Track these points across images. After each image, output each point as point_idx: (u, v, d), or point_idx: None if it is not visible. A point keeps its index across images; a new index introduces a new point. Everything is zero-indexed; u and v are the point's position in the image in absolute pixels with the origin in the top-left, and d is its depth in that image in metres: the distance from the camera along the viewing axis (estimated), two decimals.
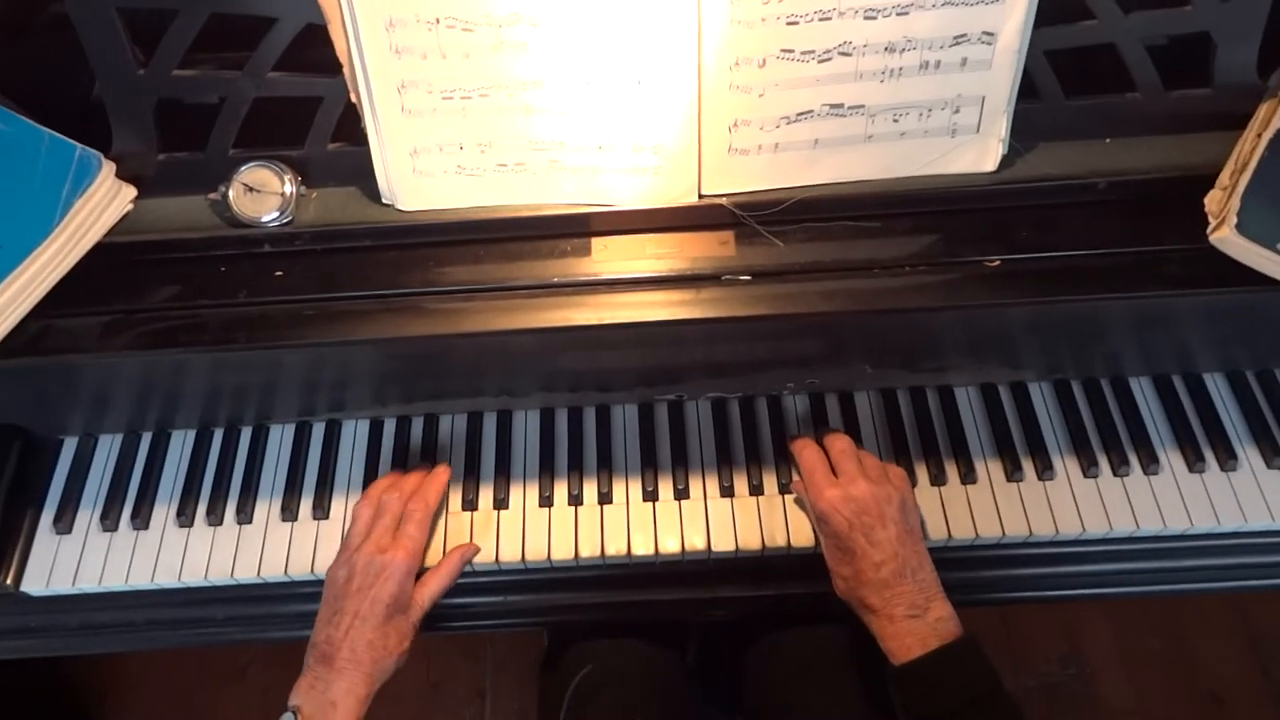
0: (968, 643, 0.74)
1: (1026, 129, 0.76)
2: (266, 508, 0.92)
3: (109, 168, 0.75)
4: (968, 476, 0.90)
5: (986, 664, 0.74)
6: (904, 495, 0.81)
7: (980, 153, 0.76)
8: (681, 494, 0.90)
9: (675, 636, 1.02)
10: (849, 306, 0.74)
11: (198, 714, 1.62)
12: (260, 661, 1.63)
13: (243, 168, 0.76)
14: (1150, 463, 0.89)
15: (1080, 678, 1.60)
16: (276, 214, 0.76)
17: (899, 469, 0.85)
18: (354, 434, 0.96)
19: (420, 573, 0.84)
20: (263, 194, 0.76)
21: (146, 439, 0.96)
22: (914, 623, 0.75)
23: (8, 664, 0.94)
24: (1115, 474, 0.89)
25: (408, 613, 0.81)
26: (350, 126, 0.74)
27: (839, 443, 0.85)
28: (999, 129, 0.75)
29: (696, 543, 0.88)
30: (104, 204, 0.75)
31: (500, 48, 0.69)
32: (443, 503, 0.90)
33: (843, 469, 0.83)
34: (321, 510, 0.91)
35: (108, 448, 0.96)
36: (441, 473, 0.89)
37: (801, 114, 0.73)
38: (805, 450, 0.85)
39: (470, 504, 0.90)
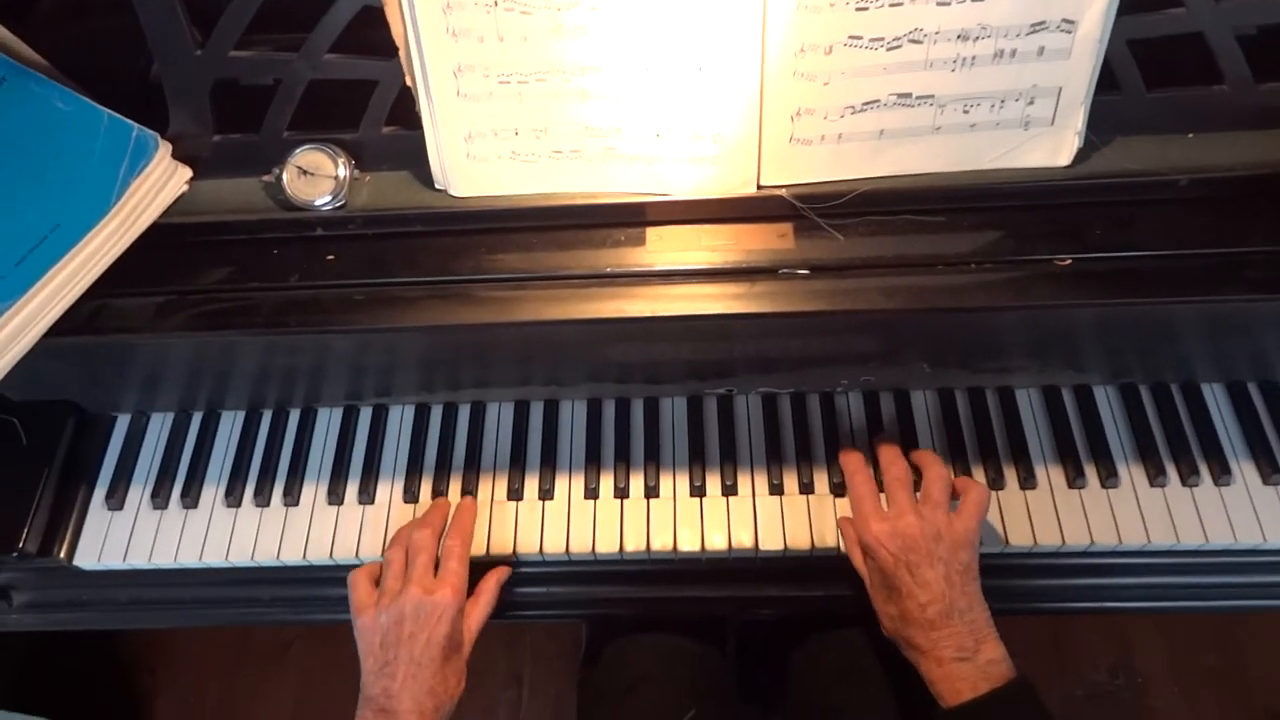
0: (1020, 686, 0.72)
1: (1103, 122, 0.73)
2: (313, 491, 0.93)
3: (165, 148, 0.75)
4: (1027, 482, 0.87)
5: (1040, 708, 0.71)
6: (960, 538, 0.77)
7: (1054, 146, 0.73)
8: (729, 490, 0.89)
9: (717, 633, 1.01)
10: (911, 305, 0.72)
11: (238, 693, 1.64)
12: (303, 641, 1.66)
13: (297, 150, 0.76)
14: (1222, 473, 0.86)
15: (1130, 689, 1.57)
16: (329, 197, 0.76)
17: (978, 499, 0.79)
18: (400, 419, 0.96)
19: None
20: (316, 177, 0.76)
21: (197, 419, 0.97)
22: (963, 665, 0.73)
23: (60, 635, 0.96)
24: (1184, 484, 0.86)
25: (461, 650, 0.80)
26: (405, 110, 0.74)
27: (894, 469, 0.82)
28: (1075, 122, 0.72)
29: (744, 540, 0.87)
30: (160, 184, 0.75)
31: (558, 31, 0.67)
32: (489, 492, 0.89)
33: (894, 499, 0.80)
34: (367, 495, 0.92)
35: (159, 426, 0.97)
36: (469, 505, 0.88)
37: (867, 103, 0.70)
38: (856, 476, 0.83)
39: (516, 494, 0.90)
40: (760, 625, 1.05)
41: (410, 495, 0.91)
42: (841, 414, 0.92)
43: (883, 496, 0.82)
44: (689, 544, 0.87)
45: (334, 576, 0.92)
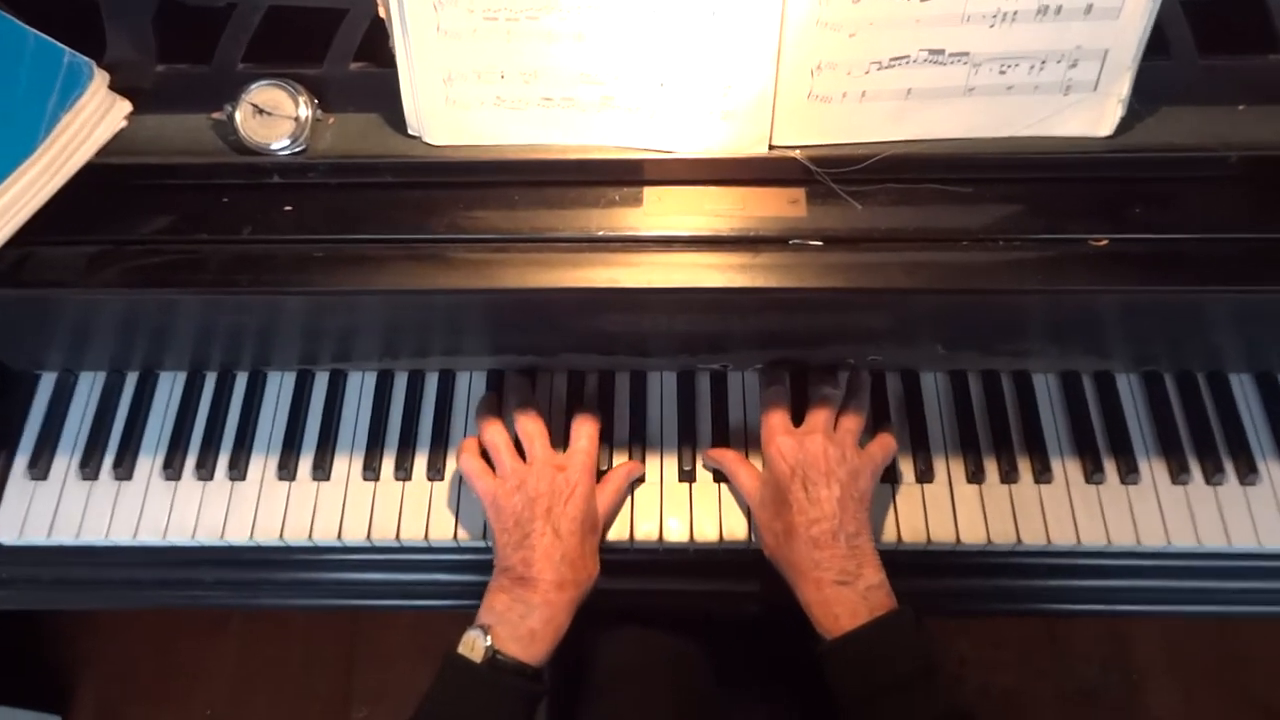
0: (901, 615, 0.74)
1: (1149, 89, 0.71)
2: (262, 464, 0.91)
3: (101, 78, 0.72)
4: (1043, 475, 0.87)
5: (920, 641, 0.73)
6: (863, 466, 0.81)
7: (1096, 114, 0.71)
8: (722, 477, 0.89)
9: (699, 629, 1.01)
10: (933, 284, 0.71)
11: (176, 665, 1.64)
12: (242, 615, 1.65)
13: (252, 86, 0.73)
14: (1248, 472, 0.86)
15: (1125, 684, 1.60)
16: (288, 141, 0.73)
17: (887, 442, 0.84)
18: (360, 387, 0.94)
19: None
20: (273, 117, 0.73)
21: (132, 379, 0.95)
22: (843, 590, 0.75)
23: None
24: (1208, 482, 0.87)
25: (596, 531, 0.83)
26: (377, 45, 0.71)
27: (824, 390, 0.85)
28: (1120, 88, 0.70)
29: (736, 531, 0.87)
30: (95, 119, 0.72)
31: None
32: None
33: (811, 417, 0.83)
34: (322, 471, 0.90)
35: (89, 387, 0.94)
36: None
37: (896, 59, 0.68)
38: (772, 388, 0.86)
39: None
40: (746, 621, 1.05)
41: (371, 472, 0.90)
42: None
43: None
44: (677, 533, 0.87)
45: (285, 559, 0.91)
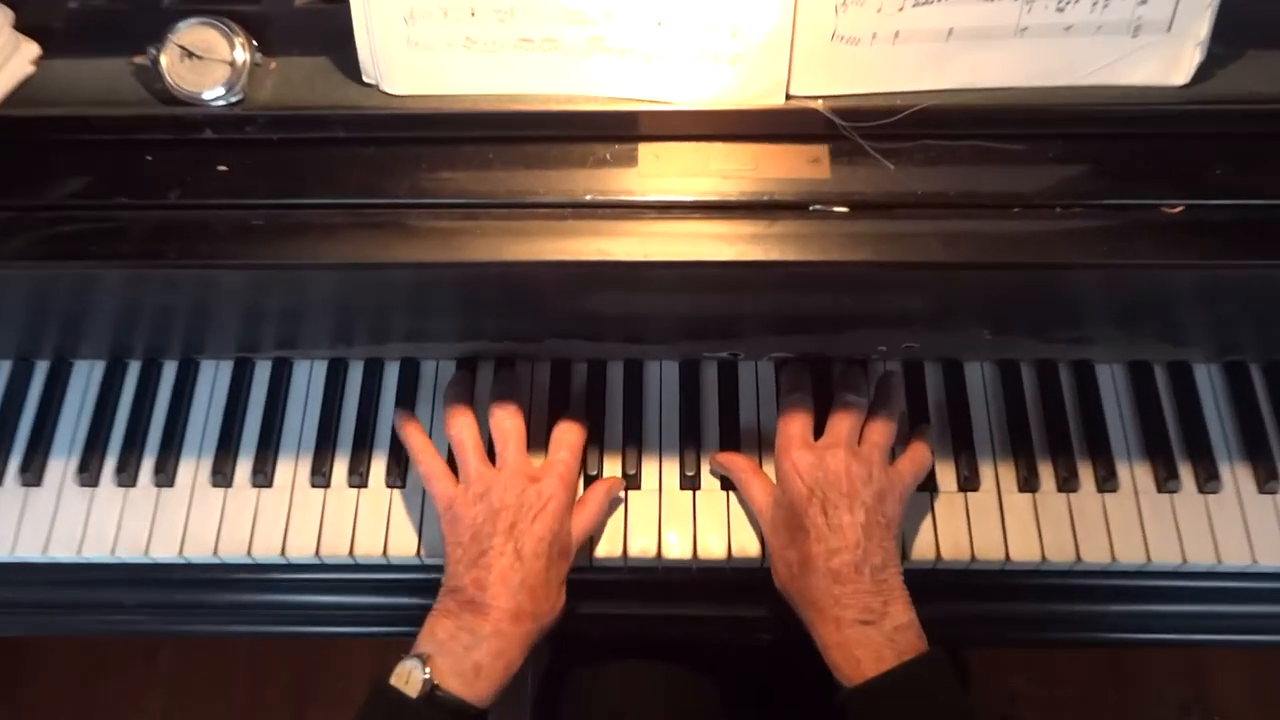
0: (932, 661, 0.75)
1: (1232, 31, 0.71)
2: (193, 468, 0.92)
3: (5, 15, 0.72)
4: (1107, 482, 0.88)
5: (955, 688, 0.74)
6: (891, 486, 0.82)
7: (1169, 60, 0.71)
8: (731, 484, 0.89)
9: (705, 661, 1.02)
10: (978, 257, 0.71)
11: (97, 703, 1.65)
12: (173, 646, 1.66)
13: (180, 25, 0.73)
14: None
15: None
16: (222, 89, 0.73)
17: (920, 456, 0.86)
18: (309, 378, 0.95)
19: None
20: (205, 61, 0.73)
21: (42, 369, 0.96)
22: (866, 631, 0.76)
23: None
24: None
25: (567, 555, 0.83)
26: None
27: (848, 396, 0.86)
28: (1198, 29, 0.70)
29: (747, 547, 0.88)
30: None
31: None
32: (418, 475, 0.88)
33: (832, 428, 0.84)
34: (264, 476, 0.91)
35: None
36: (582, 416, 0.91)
37: None
38: (794, 394, 0.87)
39: None
40: (757, 652, 1.06)
41: (320, 477, 0.91)
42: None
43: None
44: (678, 549, 0.88)
45: (221, 579, 0.92)
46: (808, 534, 0.79)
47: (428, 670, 0.75)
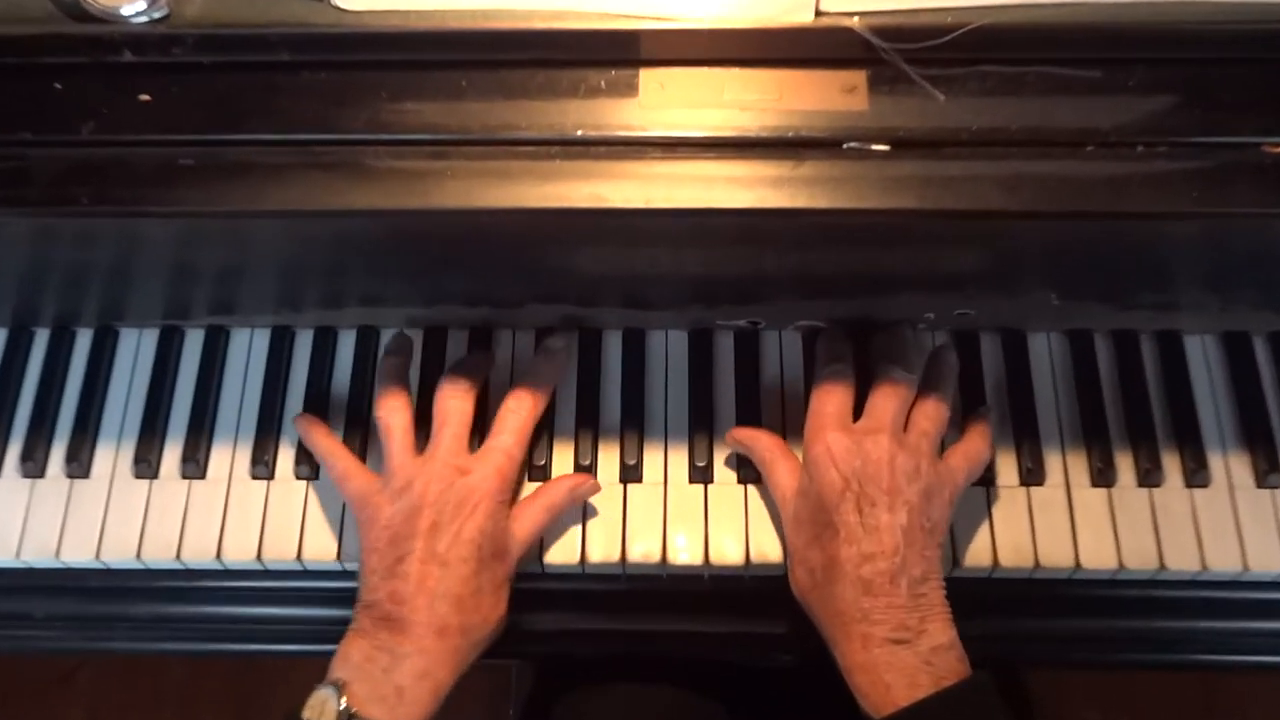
0: (976, 685, 0.75)
1: None
2: (112, 455, 0.93)
3: None
4: (1196, 476, 0.89)
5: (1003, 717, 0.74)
6: (940, 484, 0.82)
7: None
8: (750, 476, 0.90)
9: (716, 685, 1.03)
10: (1045, 205, 0.71)
11: None
12: (92, 665, 1.67)
13: None
14: None
15: None
16: (144, 3, 0.73)
17: (976, 449, 0.86)
18: (248, 349, 0.96)
19: None
20: None
21: None
22: (898, 651, 0.76)
23: None
24: None
25: (504, 560, 0.84)
26: None
27: (894, 373, 0.85)
28: None
29: (768, 550, 0.88)
30: None
31: None
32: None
33: (873, 408, 0.84)
34: (195, 464, 0.91)
35: None
36: (556, 357, 0.92)
37: None
38: (831, 366, 0.87)
39: None
40: (776, 675, 1.06)
41: (262, 467, 0.91)
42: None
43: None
44: (686, 554, 0.88)
45: (145, 587, 0.92)
46: (837, 533, 0.79)
47: (343, 699, 0.75)
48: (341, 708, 0.75)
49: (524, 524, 0.85)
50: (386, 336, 0.96)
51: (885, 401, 0.84)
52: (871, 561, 0.78)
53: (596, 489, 0.89)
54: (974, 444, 0.86)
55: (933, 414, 0.85)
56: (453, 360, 0.94)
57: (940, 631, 0.77)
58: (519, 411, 0.87)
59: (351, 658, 0.78)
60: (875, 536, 0.78)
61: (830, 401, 0.84)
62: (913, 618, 0.77)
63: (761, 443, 0.87)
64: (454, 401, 0.86)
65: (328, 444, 0.88)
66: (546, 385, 0.90)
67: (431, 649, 0.78)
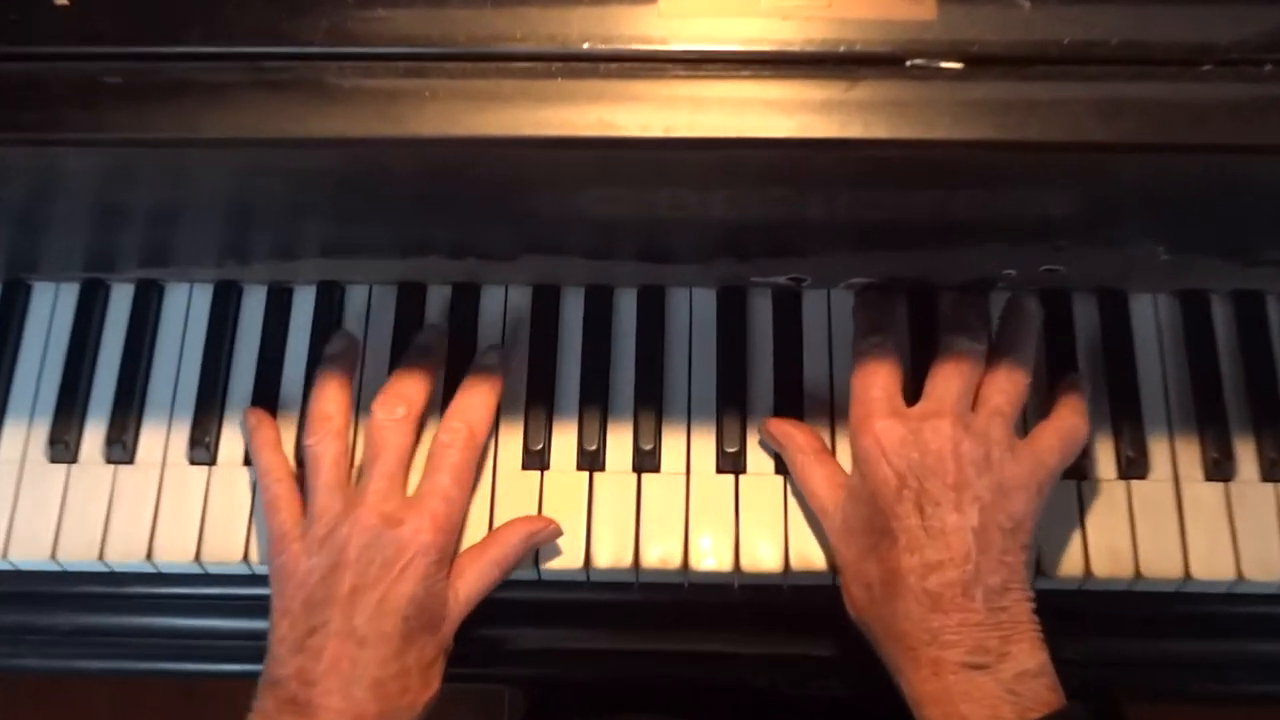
0: (1071, 718, 0.74)
1: None
2: (22, 434, 0.94)
3: None
4: None
5: None
6: (1021, 474, 0.81)
7: None
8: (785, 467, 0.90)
9: (751, 716, 1.03)
10: (1151, 136, 0.70)
11: None
12: (5, 683, 1.69)
13: None
14: None
15: None
16: None
17: (1069, 427, 0.85)
18: (186, 309, 0.97)
19: None
20: None
21: None
22: (976, 678, 0.75)
23: None
24: None
25: (438, 630, 0.83)
26: None
27: (959, 342, 0.85)
28: None
29: (811, 555, 0.88)
30: None
31: None
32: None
33: (933, 389, 0.84)
34: (122, 447, 0.92)
35: None
36: (494, 375, 0.91)
37: None
38: (873, 333, 0.87)
39: None
40: (824, 708, 1.06)
41: (202, 450, 0.92)
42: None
43: None
44: (712, 558, 0.88)
45: (59, 592, 0.92)
46: (895, 540, 0.79)
47: None
48: None
49: (468, 582, 0.85)
50: (354, 296, 0.96)
51: (947, 379, 0.84)
52: (939, 571, 0.77)
53: (558, 533, 0.88)
54: (1066, 419, 0.85)
55: (1006, 387, 0.84)
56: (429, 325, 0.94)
57: (1027, 654, 0.76)
58: (453, 445, 0.86)
59: None
60: (941, 541, 0.78)
61: (875, 383, 0.84)
62: (992, 637, 0.76)
63: (795, 441, 0.87)
64: (389, 430, 0.86)
65: (270, 459, 0.88)
66: (484, 406, 0.89)
67: None
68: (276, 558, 0.83)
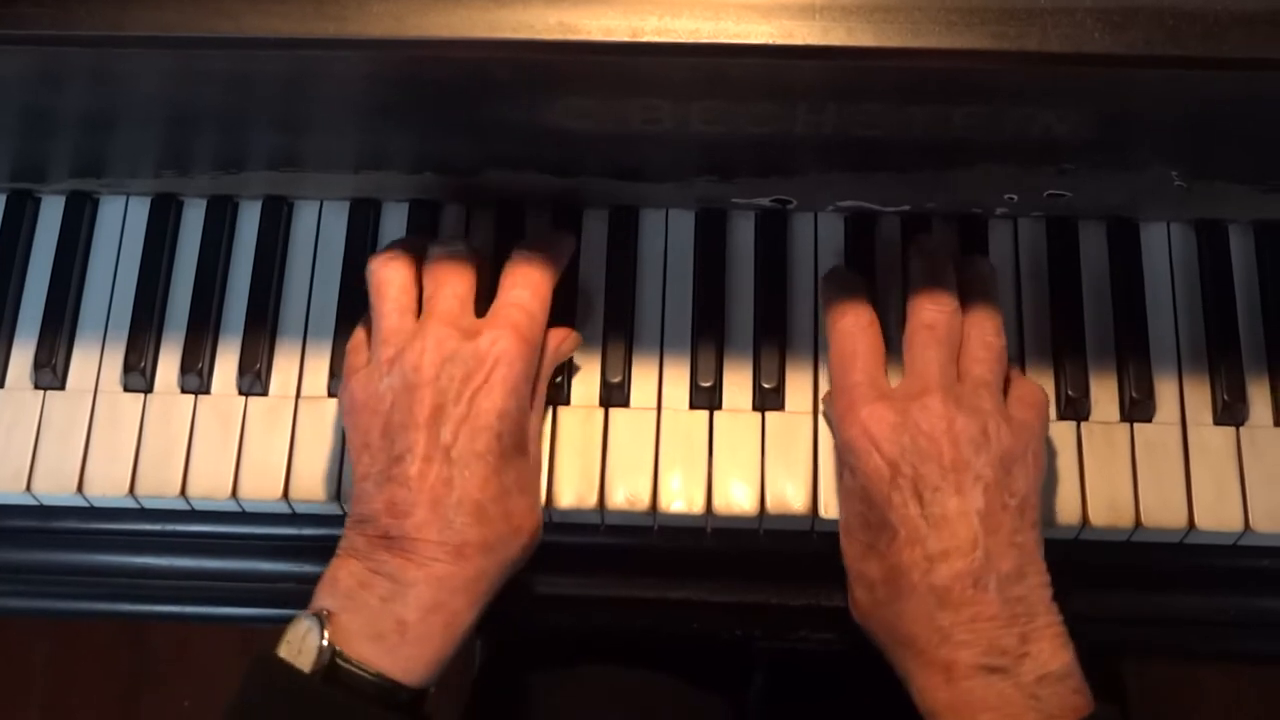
0: None
1: None
2: None
3: None
4: None
5: None
6: (1020, 441, 0.80)
7: None
8: (770, 401, 0.90)
9: (725, 671, 1.04)
10: (1163, 48, 0.68)
11: None
12: None
13: None
14: None
15: None
16: None
17: (1035, 390, 0.84)
18: (121, 224, 0.97)
19: None
20: None
21: None
22: (994, 683, 0.74)
23: None
24: None
25: (526, 450, 0.83)
26: None
27: (931, 305, 0.84)
28: None
29: (790, 497, 0.88)
30: None
31: None
32: (293, 381, 0.89)
33: (914, 365, 0.83)
34: (51, 371, 0.92)
35: None
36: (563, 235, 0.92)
37: None
38: (846, 315, 0.85)
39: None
40: (809, 664, 1.07)
41: (138, 377, 0.91)
42: (1002, 259, 0.93)
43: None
44: (681, 499, 0.88)
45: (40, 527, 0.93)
46: (895, 534, 0.77)
47: (326, 633, 0.74)
48: (324, 642, 0.74)
49: (538, 414, 0.85)
50: (301, 209, 0.96)
51: (926, 351, 0.82)
52: (944, 562, 0.76)
53: (578, 341, 0.90)
54: (1024, 388, 0.84)
55: (983, 355, 0.83)
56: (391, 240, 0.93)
57: (1049, 653, 0.75)
58: (534, 266, 0.86)
59: (340, 583, 0.77)
60: (944, 529, 0.76)
61: (855, 366, 0.83)
62: (1010, 635, 0.75)
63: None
64: (447, 268, 0.85)
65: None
66: (564, 249, 0.90)
67: (446, 576, 0.76)
68: (343, 393, 0.83)
